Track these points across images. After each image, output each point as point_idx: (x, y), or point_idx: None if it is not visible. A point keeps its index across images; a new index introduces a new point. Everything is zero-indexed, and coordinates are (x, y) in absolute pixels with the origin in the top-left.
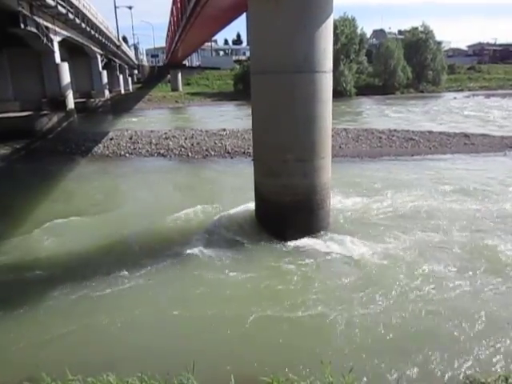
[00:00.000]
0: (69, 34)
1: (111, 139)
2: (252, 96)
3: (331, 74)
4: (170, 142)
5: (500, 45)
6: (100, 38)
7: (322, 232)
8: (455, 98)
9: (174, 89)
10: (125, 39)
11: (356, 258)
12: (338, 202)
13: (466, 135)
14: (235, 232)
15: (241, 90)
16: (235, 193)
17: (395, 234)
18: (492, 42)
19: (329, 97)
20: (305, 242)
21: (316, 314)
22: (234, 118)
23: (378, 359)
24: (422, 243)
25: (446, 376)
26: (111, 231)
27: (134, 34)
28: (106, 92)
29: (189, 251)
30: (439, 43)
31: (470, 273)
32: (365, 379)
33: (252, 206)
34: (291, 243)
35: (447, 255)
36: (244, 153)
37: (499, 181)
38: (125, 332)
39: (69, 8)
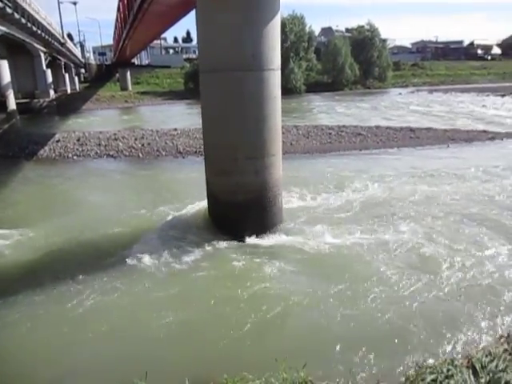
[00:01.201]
0: (7, 30)
1: (58, 141)
2: (201, 94)
3: (279, 71)
4: (120, 143)
5: (441, 42)
6: (43, 34)
7: (275, 228)
8: (400, 94)
9: (124, 88)
10: (70, 36)
11: (309, 252)
12: (290, 197)
13: (412, 129)
14: (188, 232)
15: (192, 88)
16: (188, 192)
17: (345, 226)
18: (434, 39)
19: (278, 94)
20: (257, 238)
21: (269, 310)
22: (186, 117)
23: (332, 352)
24: (368, 233)
25: (398, 363)
26: (56, 239)
27: (79, 31)
28: (51, 92)
29: (139, 255)
30: (384, 41)
31: (417, 263)
32: (319, 373)
33: (205, 204)
34: (245, 240)
35: (396, 246)
36: (196, 152)
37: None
38: (71, 344)
39: (6, 1)
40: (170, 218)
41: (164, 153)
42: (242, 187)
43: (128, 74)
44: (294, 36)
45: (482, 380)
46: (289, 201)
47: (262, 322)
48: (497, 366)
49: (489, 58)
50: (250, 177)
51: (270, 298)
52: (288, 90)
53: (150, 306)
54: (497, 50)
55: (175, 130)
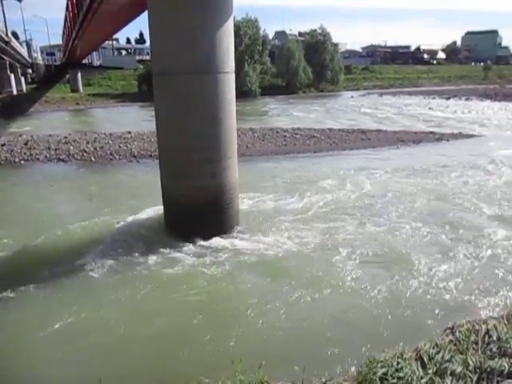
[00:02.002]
0: None
1: (3, 145)
2: (155, 97)
3: (233, 74)
4: (71, 147)
5: (390, 47)
6: None
7: (231, 230)
8: (352, 97)
9: (74, 89)
10: (15, 35)
11: (265, 254)
12: (246, 200)
13: (363, 131)
14: (143, 237)
15: (145, 90)
16: (142, 196)
17: (299, 227)
18: (383, 44)
19: (232, 97)
20: (215, 241)
21: (224, 313)
22: (140, 120)
23: (288, 352)
24: (321, 235)
25: (352, 359)
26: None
27: (25, 30)
28: None
29: (89, 265)
30: (336, 45)
31: (370, 257)
32: (275, 374)
33: (160, 208)
34: (201, 244)
35: (349, 245)
36: (151, 156)
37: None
38: (21, 355)
39: None
40: (123, 223)
41: (118, 156)
42: (198, 190)
43: (79, 75)
44: (249, 39)
45: (430, 371)
46: (245, 203)
47: (218, 326)
48: (443, 357)
49: (434, 62)
50: (207, 180)
51: (225, 301)
52: (243, 93)
53: (100, 316)
54: (442, 55)
55: (129, 133)
